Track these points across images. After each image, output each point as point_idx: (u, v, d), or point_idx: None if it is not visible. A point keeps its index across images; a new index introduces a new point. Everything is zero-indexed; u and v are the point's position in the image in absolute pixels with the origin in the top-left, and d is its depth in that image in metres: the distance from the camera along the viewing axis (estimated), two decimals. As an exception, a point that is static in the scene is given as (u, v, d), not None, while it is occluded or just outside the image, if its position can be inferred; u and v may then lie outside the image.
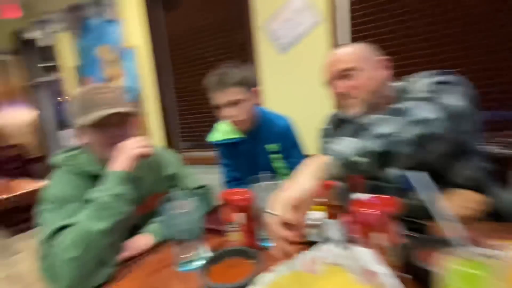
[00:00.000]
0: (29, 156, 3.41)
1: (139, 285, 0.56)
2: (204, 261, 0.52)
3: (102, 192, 0.60)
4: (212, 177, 1.09)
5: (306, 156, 1.00)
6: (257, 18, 1.70)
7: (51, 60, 3.07)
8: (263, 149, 1.01)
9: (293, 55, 1.65)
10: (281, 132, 1.01)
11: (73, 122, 0.71)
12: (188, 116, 2.22)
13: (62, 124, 3.36)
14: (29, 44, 3.11)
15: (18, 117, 3.48)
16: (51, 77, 3.13)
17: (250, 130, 1.01)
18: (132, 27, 2.20)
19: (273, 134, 1.00)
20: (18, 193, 1.42)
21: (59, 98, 3.28)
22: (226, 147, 1.09)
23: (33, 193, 1.49)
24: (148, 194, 0.80)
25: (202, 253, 0.58)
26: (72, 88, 2.77)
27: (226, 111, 0.92)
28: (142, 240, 0.69)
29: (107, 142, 0.67)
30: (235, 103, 0.91)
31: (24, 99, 3.32)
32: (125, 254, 0.64)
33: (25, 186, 1.64)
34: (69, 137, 3.10)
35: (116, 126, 0.69)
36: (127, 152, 0.65)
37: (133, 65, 2.24)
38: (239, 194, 0.61)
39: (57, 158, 0.72)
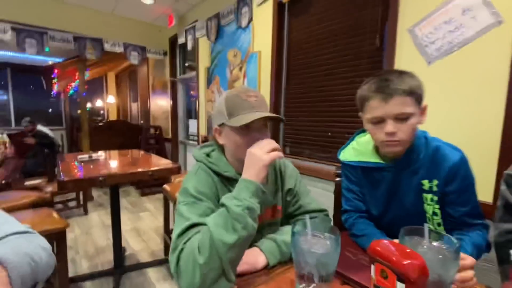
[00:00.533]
0: (163, 137, 4.27)
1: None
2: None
3: (235, 201, 0.59)
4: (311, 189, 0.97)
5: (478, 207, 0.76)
6: (403, 19, 1.46)
7: (191, 61, 3.71)
8: (413, 184, 0.78)
9: (446, 66, 1.32)
10: (450, 168, 0.73)
11: (216, 121, 0.75)
12: (292, 123, 2.19)
13: (190, 114, 4.02)
14: (179, 47, 3.86)
15: (160, 104, 4.41)
16: (188, 75, 3.78)
17: (401, 157, 0.77)
18: (260, 33, 2.35)
19: (436, 168, 0.75)
20: (154, 168, 1.73)
21: (191, 92, 3.94)
22: (361, 171, 0.87)
23: (164, 170, 1.80)
24: (266, 205, 0.79)
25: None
26: (202, 85, 3.26)
27: (388, 126, 0.70)
28: (259, 258, 0.67)
29: (247, 145, 0.68)
30: (402, 117, 0.70)
31: (166, 91, 4.15)
32: (242, 268, 0.63)
33: (158, 162, 2.00)
34: (193, 127, 3.67)
35: (258, 130, 0.70)
36: (260, 159, 0.63)
37: (254, 68, 2.39)
38: (404, 254, 0.41)
39: (197, 153, 0.78)
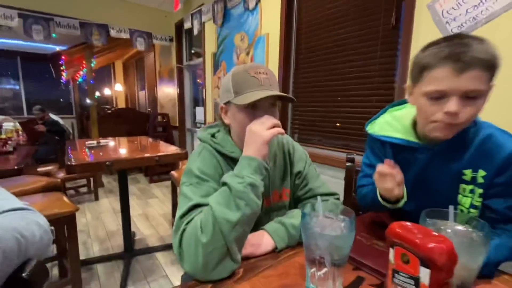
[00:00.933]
0: (170, 124, 4.27)
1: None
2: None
3: (237, 179, 0.56)
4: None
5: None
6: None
7: (198, 47, 3.64)
8: (451, 172, 0.67)
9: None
10: (505, 159, 0.61)
11: (222, 98, 0.71)
12: (301, 108, 2.13)
13: (197, 102, 3.99)
14: (185, 32, 3.79)
15: (167, 92, 4.39)
16: (194, 61, 3.72)
17: (445, 141, 0.65)
18: (268, 15, 2.26)
19: (486, 158, 0.63)
20: (161, 154, 1.72)
21: (198, 80, 3.89)
22: (390, 148, 0.76)
23: (171, 155, 1.79)
24: (274, 188, 0.76)
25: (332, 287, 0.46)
26: (209, 72, 3.20)
27: (451, 104, 0.56)
28: (266, 240, 0.64)
29: None
30: (473, 95, 0.56)
31: (173, 79, 4.11)
32: (247, 250, 0.60)
33: (166, 149, 1.99)
34: (200, 114, 3.64)
35: (266, 110, 0.66)
36: (261, 136, 0.60)
37: (262, 52, 2.31)
38: (429, 237, 0.36)
39: (201, 134, 0.75)
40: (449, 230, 0.43)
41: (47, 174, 2.63)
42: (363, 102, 1.69)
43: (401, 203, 0.67)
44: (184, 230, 0.56)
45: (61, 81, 5.84)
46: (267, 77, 0.66)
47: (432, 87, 0.58)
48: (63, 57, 4.06)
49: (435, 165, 0.69)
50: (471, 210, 0.66)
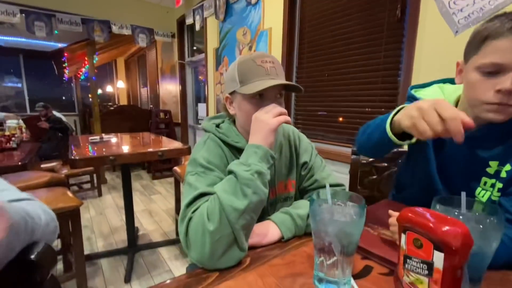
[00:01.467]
0: (173, 121, 4.27)
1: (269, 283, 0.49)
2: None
3: (243, 167, 0.56)
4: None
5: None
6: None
7: (200, 43, 3.62)
8: (476, 162, 0.62)
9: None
10: None
11: (227, 88, 0.70)
12: (305, 103, 2.11)
13: (199, 99, 3.98)
14: (187, 28, 3.77)
15: (170, 89, 4.38)
16: (196, 57, 3.71)
17: (484, 127, 0.59)
18: (271, 9, 2.24)
19: None
20: (164, 149, 1.71)
21: (200, 77, 3.88)
22: None
23: (174, 150, 1.78)
24: (280, 179, 0.75)
25: (341, 276, 0.45)
26: (211, 67, 3.18)
27: (508, 81, 0.50)
28: (272, 230, 0.63)
29: None
30: None
31: (175, 76, 4.11)
32: (254, 240, 0.60)
33: (169, 144, 1.98)
34: (203, 111, 3.64)
35: (272, 100, 0.65)
36: (267, 124, 0.59)
37: (265, 47, 2.30)
38: (443, 221, 0.35)
39: (206, 124, 0.74)
40: (461, 217, 0.42)
41: (50, 170, 2.64)
42: (367, 96, 1.68)
43: (406, 142, 0.59)
44: (190, 218, 0.55)
45: (64, 78, 5.85)
46: (273, 66, 0.65)
47: (489, 59, 0.52)
48: (65, 54, 4.06)
49: (462, 152, 0.63)
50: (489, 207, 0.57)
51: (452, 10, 1.26)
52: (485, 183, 0.63)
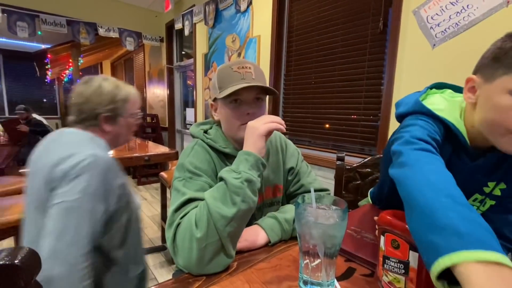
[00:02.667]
0: (160, 125, 4.22)
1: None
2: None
3: (234, 174, 0.56)
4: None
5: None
6: (408, 1, 1.41)
7: (189, 48, 3.63)
8: (477, 181, 0.59)
9: (451, 49, 1.29)
10: None
11: (211, 96, 0.72)
12: (292, 110, 2.15)
13: (187, 104, 3.96)
14: (176, 33, 3.77)
15: (157, 93, 4.33)
16: (185, 62, 3.70)
17: (492, 156, 0.56)
18: (260, 17, 2.28)
19: (509, 170, 0.57)
20: (150, 153, 1.69)
21: (188, 82, 3.87)
22: (444, 131, 0.56)
23: (161, 155, 1.76)
24: (267, 184, 0.76)
25: (325, 278, 0.47)
26: (199, 72, 3.19)
27: None
28: (259, 235, 0.64)
29: (237, 119, 0.66)
30: None
31: (163, 80, 4.08)
32: (241, 244, 0.60)
33: (155, 149, 1.96)
34: (191, 116, 3.62)
35: (249, 104, 0.67)
36: (256, 129, 0.60)
37: (253, 54, 2.33)
38: None
39: (194, 129, 0.75)
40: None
41: (29, 175, 2.53)
42: (352, 103, 1.74)
43: None
44: (178, 224, 0.55)
45: (46, 80, 5.67)
46: (250, 71, 0.67)
47: None
48: (48, 56, 3.94)
49: (466, 171, 0.58)
50: None
51: (430, 25, 1.34)
52: (475, 199, 0.62)
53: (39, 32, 2.97)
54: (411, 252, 0.37)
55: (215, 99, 0.71)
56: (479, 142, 0.54)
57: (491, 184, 0.59)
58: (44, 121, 3.68)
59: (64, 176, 0.64)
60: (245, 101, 0.67)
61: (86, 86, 0.82)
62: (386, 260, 0.41)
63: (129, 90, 0.88)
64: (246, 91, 0.63)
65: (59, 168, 0.65)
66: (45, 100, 6.35)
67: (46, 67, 4.35)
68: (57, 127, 4.69)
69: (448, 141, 0.56)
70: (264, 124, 0.61)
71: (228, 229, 0.53)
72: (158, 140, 4.10)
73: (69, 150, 0.69)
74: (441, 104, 0.59)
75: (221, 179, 0.57)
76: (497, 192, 0.59)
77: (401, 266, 0.38)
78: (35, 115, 3.63)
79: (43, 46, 4.26)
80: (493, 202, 0.60)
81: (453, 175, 0.44)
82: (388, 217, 0.40)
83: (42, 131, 3.53)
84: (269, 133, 0.61)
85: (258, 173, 0.59)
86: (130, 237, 0.81)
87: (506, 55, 0.47)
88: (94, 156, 0.68)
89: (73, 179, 0.64)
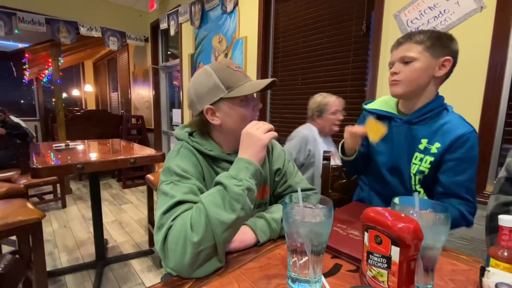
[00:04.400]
0: (145, 127, 4.13)
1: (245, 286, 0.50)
2: None
3: (235, 181, 0.56)
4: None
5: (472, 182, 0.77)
6: (389, 4, 1.46)
7: (174, 48, 3.58)
8: (413, 138, 0.83)
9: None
10: (458, 136, 0.76)
11: (206, 99, 0.68)
12: (279, 110, 2.18)
13: (173, 105, 3.90)
14: (161, 33, 3.71)
15: (142, 94, 4.25)
16: (171, 62, 3.65)
17: (414, 113, 0.83)
18: (246, 19, 2.29)
19: (444, 134, 0.78)
20: (136, 156, 1.66)
21: (174, 82, 3.82)
22: (377, 119, 0.88)
23: (147, 157, 1.73)
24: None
25: (312, 275, 0.48)
26: (186, 73, 3.16)
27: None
28: (248, 235, 0.65)
29: (251, 116, 0.69)
30: (405, 60, 0.80)
31: (148, 80, 4.00)
32: (231, 245, 0.61)
33: (141, 151, 1.92)
34: (177, 117, 3.57)
35: (254, 100, 0.71)
36: (260, 139, 0.62)
37: (240, 54, 2.34)
38: (398, 219, 0.40)
39: (179, 132, 0.74)
40: (415, 214, 0.47)
41: (7, 180, 2.42)
42: (337, 104, 1.77)
43: (353, 157, 0.92)
44: (170, 227, 0.54)
45: (24, 80, 5.42)
46: (243, 71, 0.71)
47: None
48: (26, 55, 3.78)
49: (403, 130, 0.86)
50: (417, 176, 0.82)
51: (410, 28, 1.40)
52: (415, 157, 0.83)
53: (16, 31, 2.84)
54: (392, 247, 0.39)
55: (216, 102, 0.67)
56: (410, 108, 0.85)
57: (423, 141, 0.81)
58: (22, 123, 3.52)
59: None
60: (252, 98, 0.70)
61: None
62: (370, 256, 0.42)
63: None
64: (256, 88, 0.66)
65: None
66: (22, 101, 6.08)
67: (24, 67, 4.16)
68: (36, 130, 4.48)
69: (382, 119, 0.89)
70: (265, 134, 0.62)
71: (225, 235, 0.53)
72: (144, 142, 4.02)
73: None
74: (378, 102, 0.97)
75: (219, 183, 0.57)
76: (434, 150, 0.79)
77: (384, 261, 0.40)
78: (12, 117, 3.46)
79: (21, 45, 4.07)
80: (432, 158, 0.79)
81: (397, 136, 0.87)
82: (371, 214, 0.42)
83: (19, 133, 3.38)
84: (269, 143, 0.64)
85: (256, 182, 0.60)
86: None
87: None
88: None
89: None
